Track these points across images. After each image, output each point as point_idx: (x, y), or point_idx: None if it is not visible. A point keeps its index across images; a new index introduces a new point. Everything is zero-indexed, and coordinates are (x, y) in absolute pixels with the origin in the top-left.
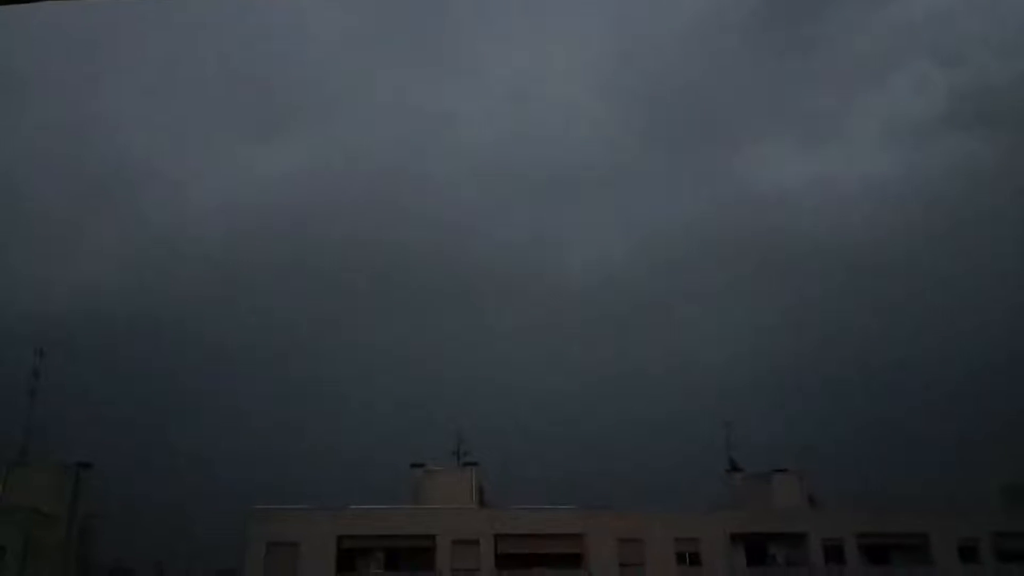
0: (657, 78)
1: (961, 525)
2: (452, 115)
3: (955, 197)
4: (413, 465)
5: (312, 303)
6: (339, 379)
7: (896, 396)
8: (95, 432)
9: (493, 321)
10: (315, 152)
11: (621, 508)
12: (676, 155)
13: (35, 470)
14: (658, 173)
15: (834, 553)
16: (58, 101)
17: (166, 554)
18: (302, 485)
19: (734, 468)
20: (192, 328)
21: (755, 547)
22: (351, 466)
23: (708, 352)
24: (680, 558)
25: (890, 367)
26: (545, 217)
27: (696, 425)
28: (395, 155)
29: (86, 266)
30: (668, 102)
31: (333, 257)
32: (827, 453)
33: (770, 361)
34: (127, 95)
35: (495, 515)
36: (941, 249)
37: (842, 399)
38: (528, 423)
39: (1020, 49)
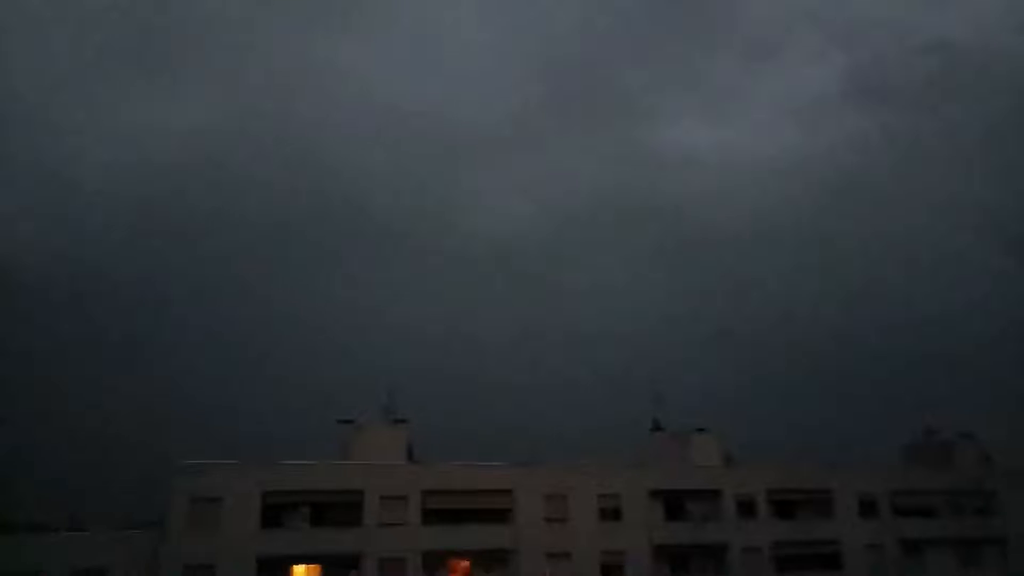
0: (560, 47)
1: (862, 482)
2: (364, 78)
3: (851, 168)
4: (341, 421)
5: (233, 259)
6: (263, 334)
7: (818, 361)
8: (13, 386)
9: (411, 278)
10: (219, 111)
11: (547, 464)
12: (580, 123)
13: None
14: (563, 140)
15: (746, 508)
16: None
17: (86, 508)
18: (229, 440)
19: (657, 427)
20: (119, 279)
21: (673, 502)
22: (277, 421)
23: (634, 315)
24: (602, 513)
25: (803, 329)
26: (456, 180)
27: (622, 385)
28: (317, 116)
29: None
30: (572, 72)
31: (249, 214)
32: (747, 415)
33: (694, 327)
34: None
35: (423, 471)
36: (842, 217)
37: (762, 363)
38: (456, 378)
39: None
